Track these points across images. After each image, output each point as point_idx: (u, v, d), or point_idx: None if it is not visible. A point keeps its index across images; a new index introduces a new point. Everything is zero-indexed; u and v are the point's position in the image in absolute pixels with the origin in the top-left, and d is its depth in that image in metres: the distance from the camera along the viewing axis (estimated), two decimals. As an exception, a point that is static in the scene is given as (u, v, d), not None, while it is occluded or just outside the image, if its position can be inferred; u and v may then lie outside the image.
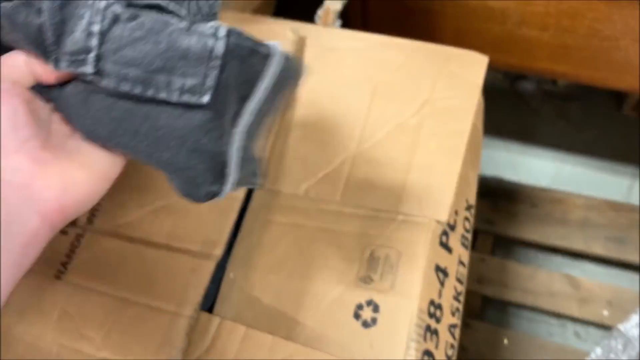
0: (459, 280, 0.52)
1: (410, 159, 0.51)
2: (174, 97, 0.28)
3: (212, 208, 0.51)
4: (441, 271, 0.49)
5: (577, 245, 0.95)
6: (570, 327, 0.93)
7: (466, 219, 0.54)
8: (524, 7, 0.68)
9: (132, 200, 0.53)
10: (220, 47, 0.28)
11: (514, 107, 1.19)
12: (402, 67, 0.56)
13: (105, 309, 0.48)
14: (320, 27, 0.59)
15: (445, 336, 0.48)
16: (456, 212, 0.52)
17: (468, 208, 0.55)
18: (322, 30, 0.58)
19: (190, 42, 0.27)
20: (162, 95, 0.28)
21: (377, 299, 0.47)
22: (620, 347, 0.80)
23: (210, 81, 0.28)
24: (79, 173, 0.29)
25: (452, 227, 0.51)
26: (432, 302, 0.48)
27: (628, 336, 0.80)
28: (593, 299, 0.91)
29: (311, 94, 0.55)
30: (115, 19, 0.27)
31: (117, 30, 0.27)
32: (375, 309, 0.47)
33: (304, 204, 0.52)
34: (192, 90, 0.28)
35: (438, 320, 0.48)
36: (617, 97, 1.18)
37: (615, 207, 0.97)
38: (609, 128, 1.15)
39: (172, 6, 0.29)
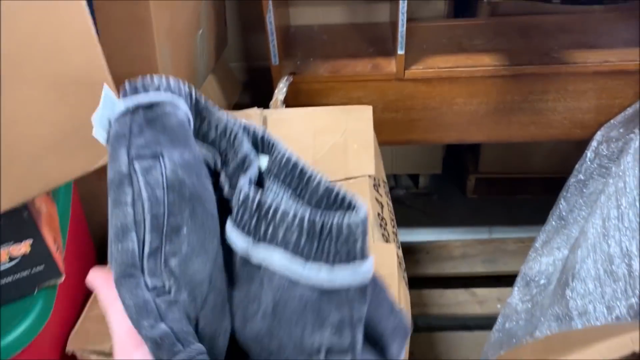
0: (390, 212, 0.86)
1: (346, 154, 0.88)
2: None
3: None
4: (378, 202, 0.84)
5: (464, 270, 1.31)
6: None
7: (384, 184, 0.90)
8: (383, 98, 1.13)
9: None
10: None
11: (394, 208, 1.61)
12: (327, 117, 0.95)
13: None
14: (273, 109, 0.99)
15: (390, 228, 0.81)
16: (378, 181, 0.88)
17: (383, 181, 0.91)
18: (275, 110, 0.97)
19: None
20: None
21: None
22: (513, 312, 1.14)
23: None
24: None
25: (378, 184, 0.86)
26: (378, 214, 0.81)
27: (512, 305, 1.14)
28: (487, 300, 1.25)
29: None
30: None
31: None
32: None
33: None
34: None
35: (385, 223, 0.81)
36: (461, 186, 1.66)
37: (482, 242, 1.37)
38: (461, 207, 1.61)
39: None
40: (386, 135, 1.19)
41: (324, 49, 1.19)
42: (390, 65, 1.11)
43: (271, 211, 0.28)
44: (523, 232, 1.54)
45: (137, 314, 0.26)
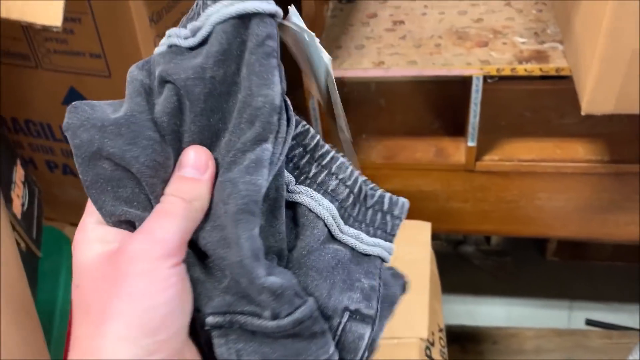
0: (445, 383, 0.70)
1: (393, 299, 0.72)
2: None
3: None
4: (431, 376, 0.68)
5: (537, 370, 1.13)
6: None
7: (440, 338, 0.74)
8: (448, 187, 0.95)
9: None
10: None
11: (461, 267, 1.43)
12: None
13: None
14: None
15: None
16: (432, 333, 0.71)
17: (440, 330, 0.75)
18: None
19: None
20: None
21: (390, 402, 0.64)
22: None
23: None
24: None
25: (432, 343, 0.70)
26: (429, 397, 0.65)
27: None
28: (562, 413, 1.07)
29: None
30: None
31: None
32: (390, 409, 0.64)
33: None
34: None
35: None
36: (541, 246, 1.45)
37: (560, 333, 1.18)
38: (538, 271, 1.40)
39: None
40: (452, 225, 1.02)
41: (379, 122, 1.01)
42: (459, 152, 0.93)
43: (328, 157, 0.28)
44: (611, 311, 1.32)
45: (253, 259, 0.24)
